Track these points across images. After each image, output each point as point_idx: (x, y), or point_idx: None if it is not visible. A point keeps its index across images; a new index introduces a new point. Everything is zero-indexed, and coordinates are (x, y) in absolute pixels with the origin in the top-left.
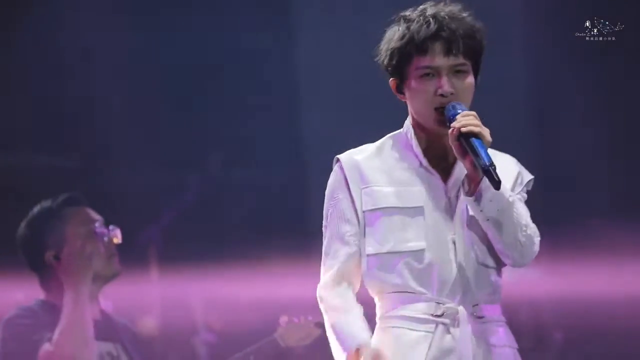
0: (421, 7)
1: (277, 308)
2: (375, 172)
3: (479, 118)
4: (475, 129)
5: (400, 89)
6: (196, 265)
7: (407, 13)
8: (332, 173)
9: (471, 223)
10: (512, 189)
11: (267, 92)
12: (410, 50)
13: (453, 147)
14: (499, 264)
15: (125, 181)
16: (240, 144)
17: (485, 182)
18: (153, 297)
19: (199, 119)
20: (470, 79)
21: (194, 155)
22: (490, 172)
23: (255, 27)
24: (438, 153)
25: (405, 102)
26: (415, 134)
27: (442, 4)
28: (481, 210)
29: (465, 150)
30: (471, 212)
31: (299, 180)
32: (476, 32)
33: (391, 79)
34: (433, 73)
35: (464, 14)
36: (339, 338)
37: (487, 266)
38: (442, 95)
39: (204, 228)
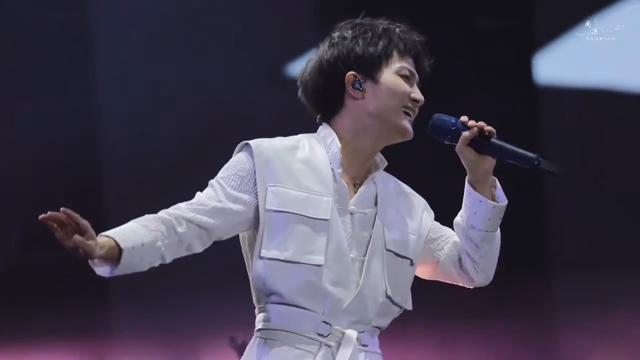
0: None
1: None
2: (286, 171)
3: None
4: (494, 130)
5: (358, 84)
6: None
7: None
8: (236, 155)
9: (377, 248)
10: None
11: None
12: (393, 48)
13: (461, 154)
14: (405, 300)
15: None
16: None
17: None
18: None
19: None
20: None
21: None
22: (544, 162)
23: None
24: (354, 167)
25: (346, 100)
26: (341, 141)
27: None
28: (489, 219)
29: (480, 153)
30: (390, 236)
31: None
32: None
33: (350, 72)
34: (409, 77)
35: None
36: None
37: (390, 298)
38: (414, 100)
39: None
